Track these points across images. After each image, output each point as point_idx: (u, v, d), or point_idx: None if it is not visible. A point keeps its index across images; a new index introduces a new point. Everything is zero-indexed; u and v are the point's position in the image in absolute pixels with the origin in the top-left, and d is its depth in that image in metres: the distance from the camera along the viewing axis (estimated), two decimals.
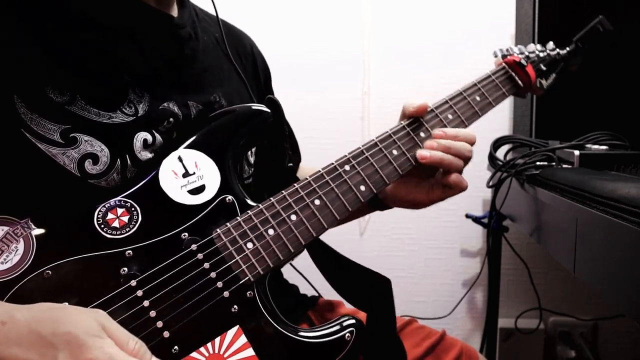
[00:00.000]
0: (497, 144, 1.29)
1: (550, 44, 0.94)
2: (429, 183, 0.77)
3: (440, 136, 0.73)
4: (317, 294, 0.96)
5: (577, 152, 0.97)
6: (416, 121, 0.74)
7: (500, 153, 1.30)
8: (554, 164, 1.03)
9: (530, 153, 1.11)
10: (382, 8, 1.66)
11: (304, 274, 0.91)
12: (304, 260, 0.70)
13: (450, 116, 0.76)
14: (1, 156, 0.54)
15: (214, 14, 0.82)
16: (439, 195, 0.77)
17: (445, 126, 0.75)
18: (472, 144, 0.74)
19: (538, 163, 1.05)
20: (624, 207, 0.61)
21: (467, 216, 1.65)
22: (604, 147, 1.01)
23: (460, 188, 0.74)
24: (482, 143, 1.32)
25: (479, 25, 1.63)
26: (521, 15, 1.46)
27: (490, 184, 1.25)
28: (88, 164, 0.57)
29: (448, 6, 1.64)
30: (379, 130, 1.83)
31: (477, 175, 1.60)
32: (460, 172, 0.74)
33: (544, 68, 0.90)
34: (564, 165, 1.01)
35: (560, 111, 0.99)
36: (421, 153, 0.71)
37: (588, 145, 1.03)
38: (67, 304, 0.50)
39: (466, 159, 0.74)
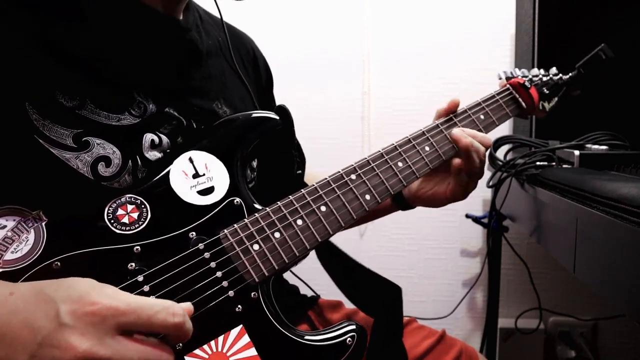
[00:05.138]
0: (497, 144, 1.29)
1: (553, 69, 0.97)
2: (448, 181, 0.81)
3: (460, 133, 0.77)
4: (316, 295, 0.96)
5: (577, 152, 0.98)
6: (421, 135, 0.76)
7: (500, 153, 1.30)
8: (554, 164, 1.03)
9: (530, 153, 1.11)
10: (382, 8, 1.66)
11: (304, 274, 0.91)
12: (303, 261, 0.70)
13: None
14: (15, 162, 0.55)
15: (217, 15, 0.82)
16: (454, 190, 0.80)
17: (450, 142, 0.78)
18: (487, 147, 0.79)
19: (538, 163, 1.05)
20: (624, 207, 0.62)
21: (467, 216, 1.65)
22: (604, 147, 1.01)
23: (476, 173, 0.78)
24: None
25: (479, 26, 1.64)
26: (521, 15, 1.46)
27: (490, 184, 1.25)
28: (101, 167, 0.58)
29: (448, 7, 1.65)
30: (379, 130, 1.84)
31: None
32: (477, 173, 0.78)
33: (546, 91, 0.93)
34: (564, 165, 1.01)
35: (560, 111, 0.99)
36: (456, 133, 0.76)
37: (588, 145, 1.03)
38: None
39: (482, 157, 0.78)
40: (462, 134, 0.76)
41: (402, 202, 0.89)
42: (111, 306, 0.43)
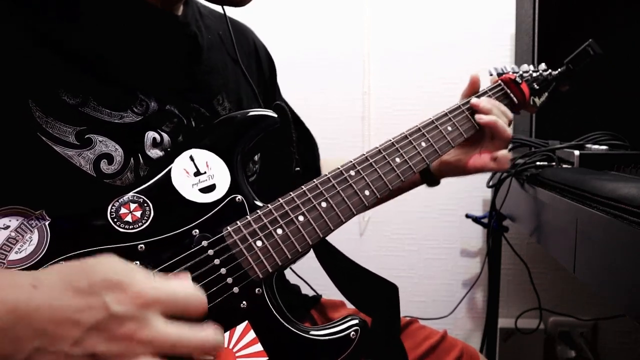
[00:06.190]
0: None
1: (542, 65, 0.99)
2: (475, 150, 0.87)
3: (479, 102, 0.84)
4: (317, 294, 0.96)
5: (577, 152, 0.98)
6: (418, 131, 0.77)
7: None
8: (554, 164, 1.03)
9: (530, 153, 1.11)
10: (383, 8, 1.67)
11: (305, 274, 0.91)
12: (303, 261, 0.70)
13: (449, 128, 0.80)
14: (18, 159, 0.55)
15: (217, 10, 0.82)
16: (482, 164, 0.87)
17: (445, 137, 0.79)
18: (509, 117, 0.87)
19: (538, 163, 1.06)
20: (624, 207, 0.62)
21: (467, 216, 1.65)
22: (604, 147, 1.02)
23: (504, 165, 0.86)
24: None
25: (479, 26, 1.64)
26: (521, 15, 1.46)
27: (490, 184, 1.26)
28: (103, 164, 0.58)
29: (448, 6, 1.65)
30: (379, 130, 1.84)
31: (477, 175, 1.59)
32: (506, 144, 0.85)
33: (536, 87, 0.94)
34: (564, 165, 1.01)
35: (560, 111, 1.00)
36: (480, 117, 0.83)
37: (588, 145, 1.03)
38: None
39: (509, 123, 0.86)
40: (487, 116, 0.82)
41: (429, 178, 0.94)
42: (155, 297, 0.46)
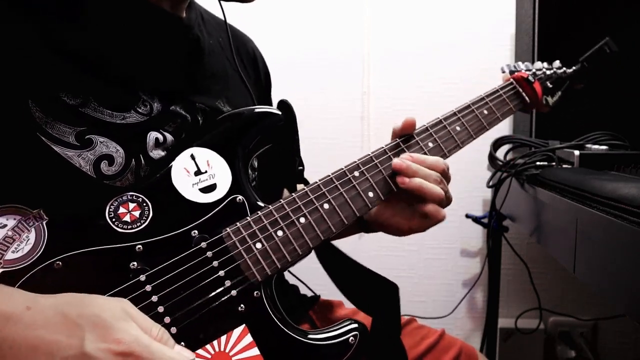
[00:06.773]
0: (497, 144, 1.29)
1: (557, 63, 0.95)
2: (411, 210, 0.73)
3: (407, 159, 0.70)
4: (316, 295, 0.96)
5: (577, 152, 0.98)
6: (426, 130, 0.75)
7: (500, 153, 1.30)
8: (554, 164, 1.03)
9: (530, 153, 1.11)
10: (382, 8, 1.66)
11: (303, 274, 0.91)
12: (301, 261, 0.70)
13: (458, 128, 0.77)
14: (17, 159, 0.55)
15: (219, 16, 0.82)
16: (418, 224, 0.73)
17: (453, 137, 0.75)
18: (440, 171, 0.71)
19: (538, 163, 1.06)
20: (624, 207, 0.62)
21: (467, 216, 1.65)
22: (604, 147, 1.01)
23: (436, 219, 0.70)
24: (482, 143, 1.32)
25: (479, 26, 1.64)
26: (521, 15, 1.46)
27: (490, 184, 1.26)
28: (104, 165, 0.58)
29: (448, 7, 1.65)
30: (379, 130, 1.84)
31: (477, 175, 1.60)
32: (439, 203, 0.70)
33: (550, 85, 0.92)
34: (564, 165, 1.01)
35: (560, 111, 0.99)
36: (402, 180, 0.69)
37: (588, 145, 1.03)
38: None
39: (438, 185, 0.70)
40: (410, 179, 0.68)
41: (364, 224, 0.80)
42: (134, 351, 0.44)
